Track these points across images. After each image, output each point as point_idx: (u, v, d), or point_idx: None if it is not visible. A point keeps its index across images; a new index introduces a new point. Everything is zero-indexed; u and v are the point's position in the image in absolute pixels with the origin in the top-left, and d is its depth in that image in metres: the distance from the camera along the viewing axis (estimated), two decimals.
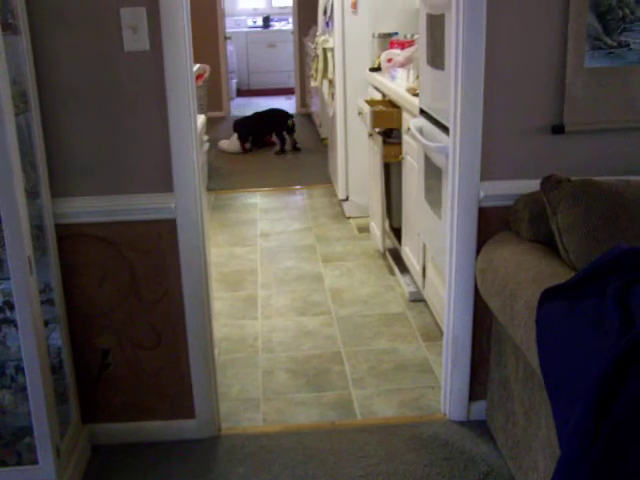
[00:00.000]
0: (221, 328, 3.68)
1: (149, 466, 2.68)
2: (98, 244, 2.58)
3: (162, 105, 2.46)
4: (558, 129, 2.61)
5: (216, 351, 2.94)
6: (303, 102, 10.69)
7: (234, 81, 11.87)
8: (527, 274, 2.26)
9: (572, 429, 1.65)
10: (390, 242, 4.70)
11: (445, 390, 2.98)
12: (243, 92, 12.36)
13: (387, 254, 4.67)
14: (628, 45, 2.54)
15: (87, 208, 2.54)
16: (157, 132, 2.49)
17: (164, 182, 2.53)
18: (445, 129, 3.04)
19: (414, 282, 4.11)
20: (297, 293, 4.21)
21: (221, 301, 3.93)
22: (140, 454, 2.75)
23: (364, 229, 5.26)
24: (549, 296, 2.02)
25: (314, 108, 9.17)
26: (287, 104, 10.87)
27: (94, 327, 2.67)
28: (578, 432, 1.61)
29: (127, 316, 2.67)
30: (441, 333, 3.39)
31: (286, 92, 11.89)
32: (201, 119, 3.15)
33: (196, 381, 2.77)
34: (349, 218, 5.56)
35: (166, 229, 2.58)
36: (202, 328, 2.72)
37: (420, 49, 3.66)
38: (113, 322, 2.68)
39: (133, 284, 2.63)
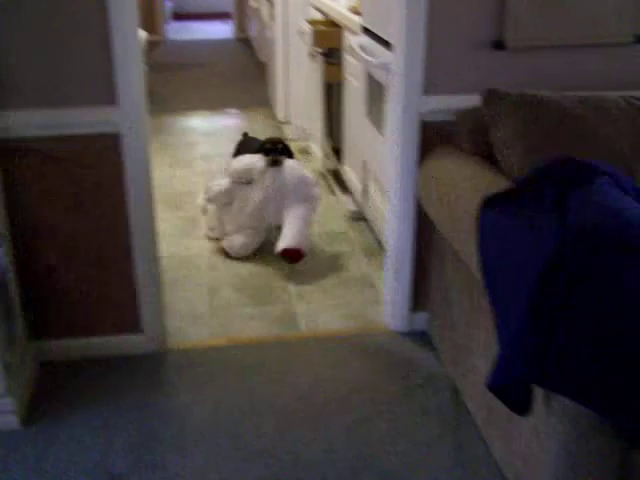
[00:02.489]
0: (165, 248, 3.69)
1: (97, 381, 2.71)
2: (41, 159, 2.54)
3: (102, 14, 2.41)
4: (499, 44, 2.65)
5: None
6: (241, 27, 10.50)
7: (170, 4, 11.57)
8: (467, 184, 2.33)
9: (512, 325, 1.74)
10: (331, 163, 4.73)
11: (387, 302, 3.07)
12: (179, 16, 12.06)
13: (328, 175, 4.70)
14: None
15: (28, 121, 2.48)
16: (99, 41, 2.43)
17: (107, 94, 2.49)
18: (387, 45, 3.06)
19: (355, 201, 4.16)
20: None
21: (164, 222, 3.92)
22: (88, 370, 2.77)
23: (304, 151, 5.28)
24: (489, 204, 2.09)
25: (252, 32, 9.03)
26: (224, 29, 10.67)
27: (39, 244, 2.65)
28: (518, 328, 1.70)
29: (72, 232, 2.66)
30: (382, 249, 3.47)
31: (223, 16, 11.66)
32: (141, 35, 3.09)
33: (143, 296, 2.79)
34: (289, 140, 5.55)
35: (110, 144, 2.55)
36: (148, 243, 2.73)
37: None
38: (58, 238, 2.66)
39: (78, 200, 2.61)
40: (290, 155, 3.73)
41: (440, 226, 2.49)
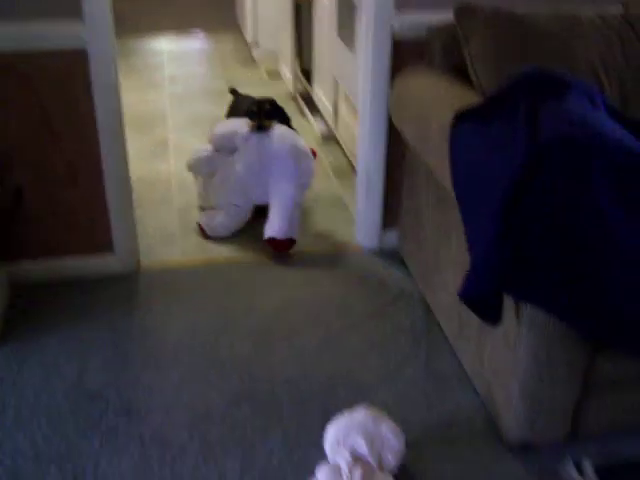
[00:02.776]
0: (134, 170, 3.64)
1: (70, 302, 2.71)
2: (5, 75, 2.48)
3: None
4: None
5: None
6: None
7: None
8: (440, 100, 2.32)
9: (483, 237, 1.76)
10: (301, 85, 4.68)
11: (359, 221, 3.09)
12: None
13: (298, 97, 4.66)
14: None
15: None
16: None
17: (72, 6, 2.42)
18: None
19: (325, 122, 4.14)
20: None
21: (132, 144, 3.87)
22: (61, 291, 2.77)
23: (274, 74, 5.22)
24: (461, 118, 2.09)
25: None
26: None
27: (6, 163, 2.61)
28: (490, 236, 1.72)
29: (41, 151, 2.62)
30: (353, 170, 3.47)
31: None
32: None
33: (114, 215, 2.77)
34: (258, 63, 5.48)
35: (77, 60, 2.50)
36: (119, 163, 2.70)
37: None
38: (26, 158, 2.62)
39: (45, 118, 2.56)
40: (283, 119, 3.23)
41: (412, 143, 2.49)
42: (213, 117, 4.44)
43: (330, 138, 4.06)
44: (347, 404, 2.13)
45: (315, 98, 4.32)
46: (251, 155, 3.05)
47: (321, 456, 2.00)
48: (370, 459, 1.88)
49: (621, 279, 1.71)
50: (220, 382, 2.31)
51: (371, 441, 1.90)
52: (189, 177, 3.66)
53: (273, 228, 2.97)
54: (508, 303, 1.91)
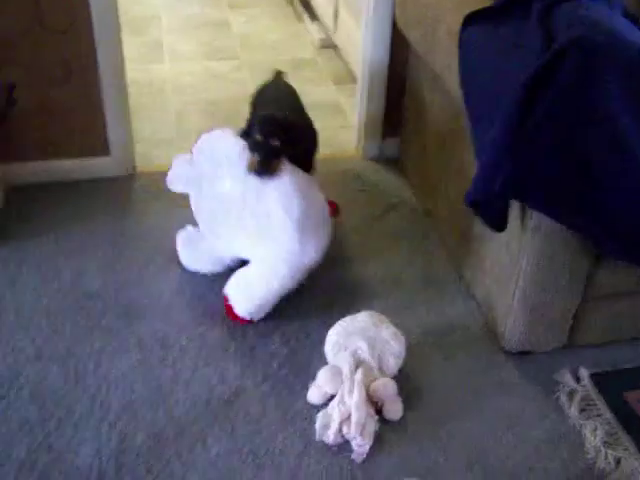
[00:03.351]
0: (129, 73, 3.55)
1: (66, 204, 2.67)
2: None
3: None
4: None
5: None
6: None
7: None
8: (449, 1, 2.25)
9: (492, 140, 1.73)
10: None
11: (359, 128, 3.04)
12: None
13: (295, 1, 4.53)
14: None
15: None
16: None
17: None
18: None
19: (324, 28, 4.03)
20: (204, 38, 4.08)
21: (126, 46, 3.74)
22: (56, 193, 2.73)
23: None
24: (472, 20, 2.03)
25: None
26: None
27: None
28: (500, 140, 1.69)
29: (34, 48, 2.53)
30: (352, 78, 3.40)
31: None
32: None
33: (110, 117, 2.71)
34: None
35: None
36: (115, 62, 2.63)
37: None
38: (18, 54, 2.53)
39: (37, 11, 2.46)
40: (296, 153, 2.16)
41: (418, 47, 2.43)
42: (208, 20, 4.32)
43: (329, 44, 3.96)
44: (347, 310, 2.13)
45: (314, 3, 4.20)
46: (238, 198, 2.13)
47: (322, 361, 2.01)
48: (371, 362, 1.89)
49: (628, 185, 1.69)
50: (219, 283, 2.29)
51: (372, 345, 1.91)
52: (185, 79, 3.58)
53: (236, 290, 2.16)
54: (513, 210, 1.90)
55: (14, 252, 2.42)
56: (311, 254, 2.12)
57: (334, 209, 2.34)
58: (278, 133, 2.05)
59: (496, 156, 1.71)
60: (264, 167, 2.04)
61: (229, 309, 2.15)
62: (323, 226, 2.17)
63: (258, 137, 2.06)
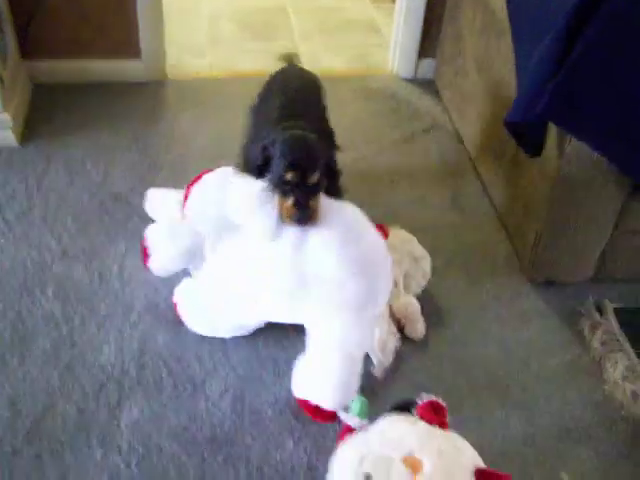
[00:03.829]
0: None
1: (95, 105, 2.64)
2: None
3: None
4: None
5: None
6: None
7: None
8: None
9: (536, 62, 1.68)
10: None
11: (394, 47, 2.96)
12: None
13: None
14: None
15: None
16: None
17: None
18: None
19: None
20: None
21: None
22: (86, 93, 2.69)
23: None
24: None
25: None
26: None
27: None
28: (546, 61, 1.64)
29: None
30: None
31: None
32: None
33: (142, 18, 2.64)
34: None
35: None
36: None
37: None
38: None
39: None
40: (334, 185, 1.79)
41: None
42: None
43: None
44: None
45: None
46: (265, 256, 1.66)
47: None
48: (396, 279, 1.88)
49: None
50: None
51: (399, 261, 1.89)
52: None
53: (314, 388, 1.64)
54: (551, 136, 1.85)
55: (42, 151, 2.40)
56: (376, 297, 1.67)
57: (385, 234, 1.81)
58: (315, 165, 1.57)
59: (540, 79, 1.66)
60: (305, 213, 1.57)
61: (320, 414, 1.63)
62: (384, 264, 1.70)
63: (290, 176, 1.57)
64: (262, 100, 2.00)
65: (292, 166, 1.56)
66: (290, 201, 1.58)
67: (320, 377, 1.62)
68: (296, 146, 1.59)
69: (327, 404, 1.60)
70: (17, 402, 1.65)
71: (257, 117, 1.96)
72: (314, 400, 1.62)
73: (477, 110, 2.42)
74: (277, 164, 1.58)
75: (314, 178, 1.57)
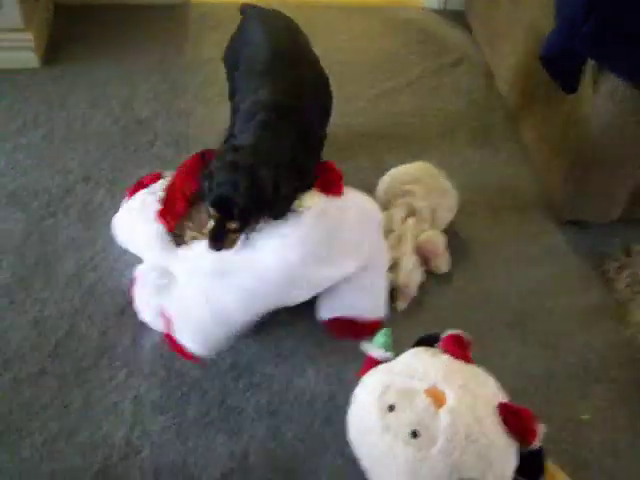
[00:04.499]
0: None
1: (119, 28, 2.59)
2: None
3: None
4: None
5: None
6: None
7: None
8: None
9: None
10: None
11: None
12: None
13: None
14: None
15: None
16: None
17: None
18: None
19: None
20: None
21: None
22: (108, 16, 2.65)
23: None
24: None
25: None
26: None
27: None
28: None
29: None
30: None
31: None
32: None
33: None
34: None
35: None
36: None
37: None
38: None
39: None
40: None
41: None
42: None
43: None
44: (402, 159, 2.07)
45: None
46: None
47: None
48: (424, 212, 1.85)
49: None
50: None
51: (427, 194, 1.87)
52: None
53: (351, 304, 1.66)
54: (586, 72, 1.80)
55: (66, 73, 2.38)
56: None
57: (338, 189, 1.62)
58: (239, 214, 1.49)
59: (578, 10, 1.60)
60: (217, 245, 1.52)
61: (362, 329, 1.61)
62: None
63: (212, 211, 1.52)
64: (240, 44, 1.87)
65: (213, 206, 1.51)
66: (209, 226, 1.55)
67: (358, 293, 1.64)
68: (222, 190, 1.49)
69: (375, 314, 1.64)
70: (41, 323, 1.66)
71: (237, 65, 1.85)
72: (353, 315, 1.63)
73: (510, 44, 2.36)
74: (207, 194, 1.53)
75: (232, 226, 1.51)
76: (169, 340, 1.57)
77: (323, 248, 1.54)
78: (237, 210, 1.48)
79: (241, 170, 1.49)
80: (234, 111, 1.80)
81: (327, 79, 1.83)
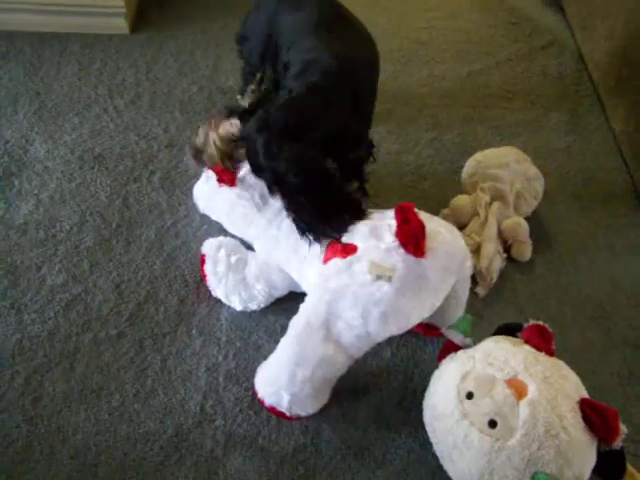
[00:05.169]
0: None
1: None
2: None
3: None
4: None
5: None
6: None
7: None
8: None
9: None
10: None
11: None
12: None
13: None
14: None
15: None
16: None
17: None
18: None
19: None
20: None
21: None
22: None
23: None
24: None
25: None
26: None
27: None
28: None
29: None
30: None
31: None
32: None
33: None
34: None
35: None
36: None
37: None
38: None
39: None
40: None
41: None
42: None
43: None
44: (487, 144, 2.03)
45: None
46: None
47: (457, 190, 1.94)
48: (508, 198, 1.81)
49: None
50: None
51: (513, 180, 1.82)
52: None
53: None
54: None
55: (152, 40, 2.39)
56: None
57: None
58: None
59: None
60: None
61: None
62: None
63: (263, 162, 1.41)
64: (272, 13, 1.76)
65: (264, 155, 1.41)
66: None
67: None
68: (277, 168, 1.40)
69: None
70: (121, 287, 1.68)
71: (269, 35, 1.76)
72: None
73: (606, 28, 2.28)
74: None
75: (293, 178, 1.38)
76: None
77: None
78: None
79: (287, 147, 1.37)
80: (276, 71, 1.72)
81: (377, 51, 1.70)
